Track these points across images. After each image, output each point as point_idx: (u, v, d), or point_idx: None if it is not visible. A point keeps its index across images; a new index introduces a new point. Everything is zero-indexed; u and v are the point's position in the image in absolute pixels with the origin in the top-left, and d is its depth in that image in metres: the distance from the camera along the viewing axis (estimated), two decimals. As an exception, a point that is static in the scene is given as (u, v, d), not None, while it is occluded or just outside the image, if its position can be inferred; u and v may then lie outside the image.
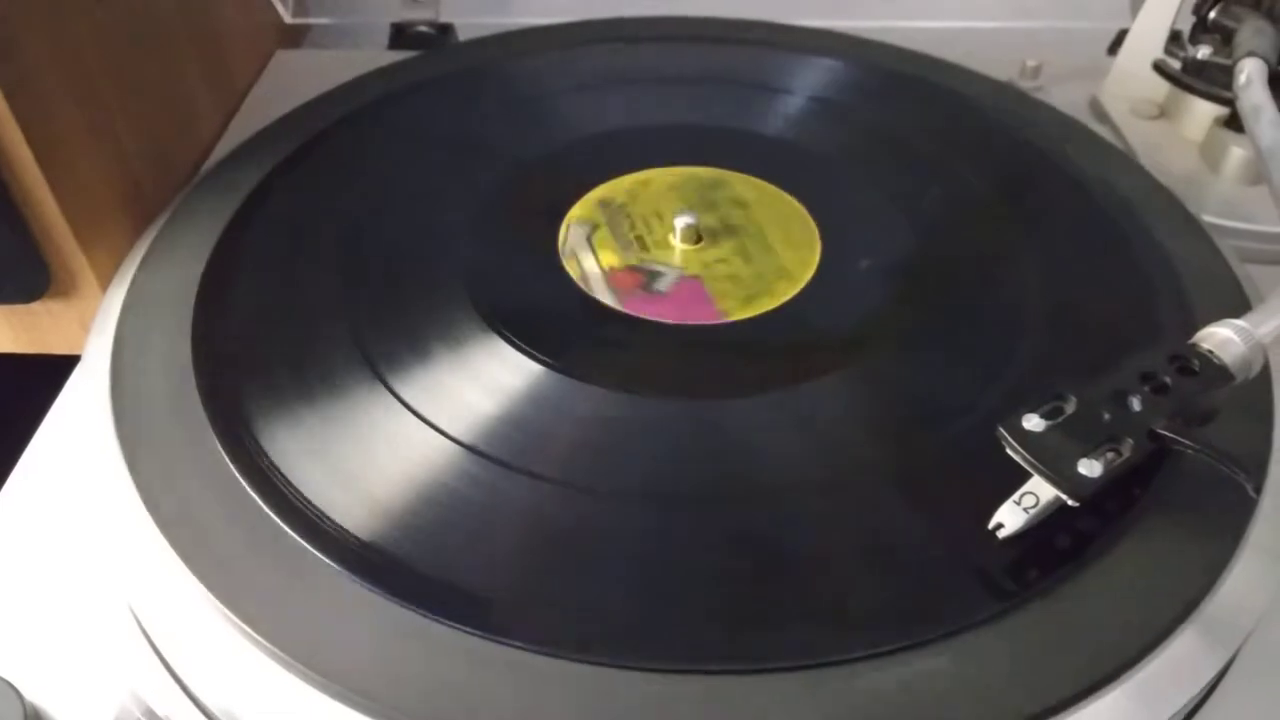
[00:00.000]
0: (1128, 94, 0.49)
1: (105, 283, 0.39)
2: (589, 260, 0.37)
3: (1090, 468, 0.27)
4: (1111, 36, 0.58)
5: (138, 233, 0.41)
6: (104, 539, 0.30)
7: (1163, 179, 0.42)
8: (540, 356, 0.33)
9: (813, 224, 0.38)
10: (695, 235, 0.37)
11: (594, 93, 0.45)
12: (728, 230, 0.38)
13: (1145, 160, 0.45)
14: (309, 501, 0.29)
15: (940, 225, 0.39)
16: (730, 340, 0.34)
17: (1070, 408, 0.28)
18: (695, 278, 0.36)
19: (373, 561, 0.27)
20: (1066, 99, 0.50)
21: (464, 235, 0.38)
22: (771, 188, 0.40)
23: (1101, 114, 0.50)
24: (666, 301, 0.35)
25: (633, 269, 0.36)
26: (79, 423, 0.33)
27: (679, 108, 0.44)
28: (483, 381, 0.32)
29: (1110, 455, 0.27)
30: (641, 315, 0.35)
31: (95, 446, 0.32)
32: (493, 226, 0.39)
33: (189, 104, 0.47)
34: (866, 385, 0.33)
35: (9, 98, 0.34)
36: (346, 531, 0.28)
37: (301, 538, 0.28)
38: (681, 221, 0.37)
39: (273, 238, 0.38)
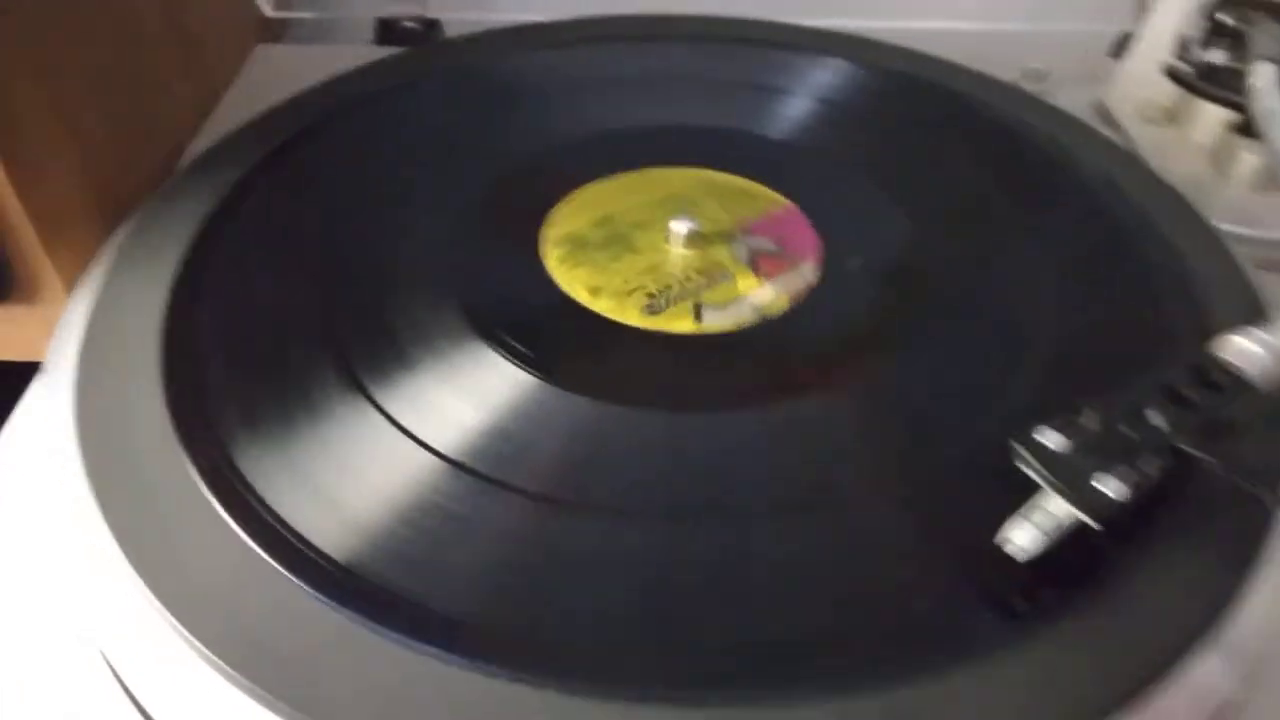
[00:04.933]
0: (1135, 98, 0.48)
1: (71, 287, 0.37)
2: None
3: (1113, 487, 0.25)
4: (1113, 39, 0.57)
5: (106, 235, 0.39)
6: (67, 567, 0.28)
7: (1172, 184, 0.41)
8: (530, 366, 0.31)
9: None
10: (692, 240, 0.36)
11: (582, 92, 0.44)
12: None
13: (1154, 165, 0.44)
14: (290, 527, 0.27)
15: (944, 229, 0.38)
16: (726, 349, 0.33)
17: (1087, 422, 0.26)
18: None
19: (357, 589, 0.26)
20: (1071, 102, 0.49)
21: (451, 239, 0.37)
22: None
23: (1108, 118, 0.49)
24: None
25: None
26: (39, 437, 0.31)
27: (670, 107, 0.43)
28: (470, 392, 0.31)
29: (1131, 472, 0.26)
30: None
31: (57, 465, 0.30)
32: (479, 230, 0.37)
33: (163, 100, 0.45)
34: (869, 395, 0.31)
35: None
36: (330, 558, 0.26)
37: (283, 566, 0.26)
38: (682, 227, 0.35)
39: (249, 242, 0.36)
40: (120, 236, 0.38)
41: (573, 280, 0.35)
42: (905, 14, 0.55)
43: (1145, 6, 0.56)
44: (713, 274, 0.35)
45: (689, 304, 0.34)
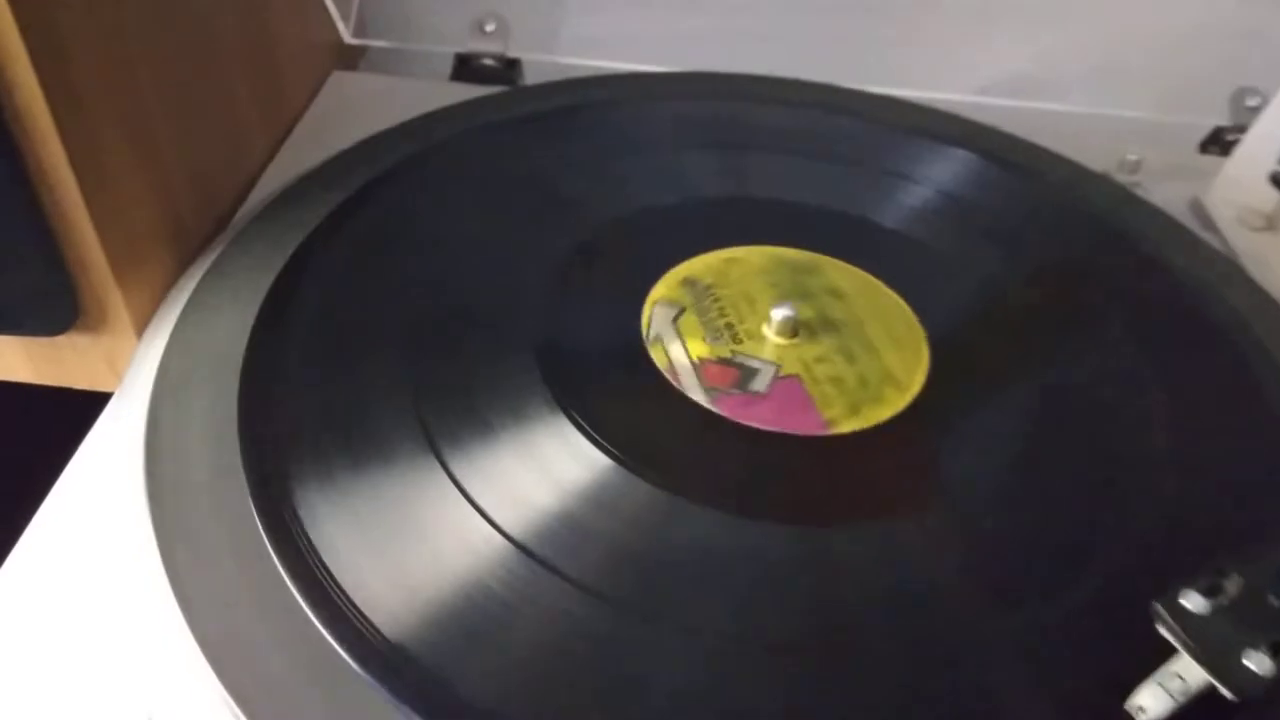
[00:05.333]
0: (1235, 201, 0.47)
1: (137, 320, 0.36)
2: (676, 348, 0.34)
3: (1260, 663, 0.24)
4: (1204, 133, 0.55)
5: (176, 267, 0.38)
6: (126, 630, 0.26)
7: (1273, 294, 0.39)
8: (619, 454, 0.30)
9: (916, 322, 0.35)
10: (792, 329, 0.34)
11: (686, 153, 0.42)
12: (826, 324, 0.35)
13: (1253, 273, 0.42)
14: (355, 607, 0.26)
15: (1052, 338, 0.36)
16: (840, 455, 0.31)
17: (1233, 588, 0.25)
18: (794, 377, 0.33)
19: (418, 682, 0.24)
20: (1164, 197, 0.48)
21: (539, 302, 0.35)
22: (868, 277, 0.37)
23: (1205, 218, 0.47)
24: (763, 403, 0.32)
25: (725, 362, 0.33)
26: (104, 486, 0.30)
27: (773, 180, 0.41)
28: (551, 473, 0.29)
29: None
30: (736, 419, 0.31)
31: (122, 520, 0.28)
32: (571, 295, 0.36)
33: (239, 127, 0.43)
34: (986, 523, 0.29)
35: (56, 113, 0.30)
36: (391, 643, 0.25)
37: (347, 652, 0.25)
38: (779, 313, 0.34)
39: (331, 287, 0.35)
40: (197, 274, 0.36)
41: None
42: (994, 90, 0.54)
43: (1239, 104, 0.55)
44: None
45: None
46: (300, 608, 0.26)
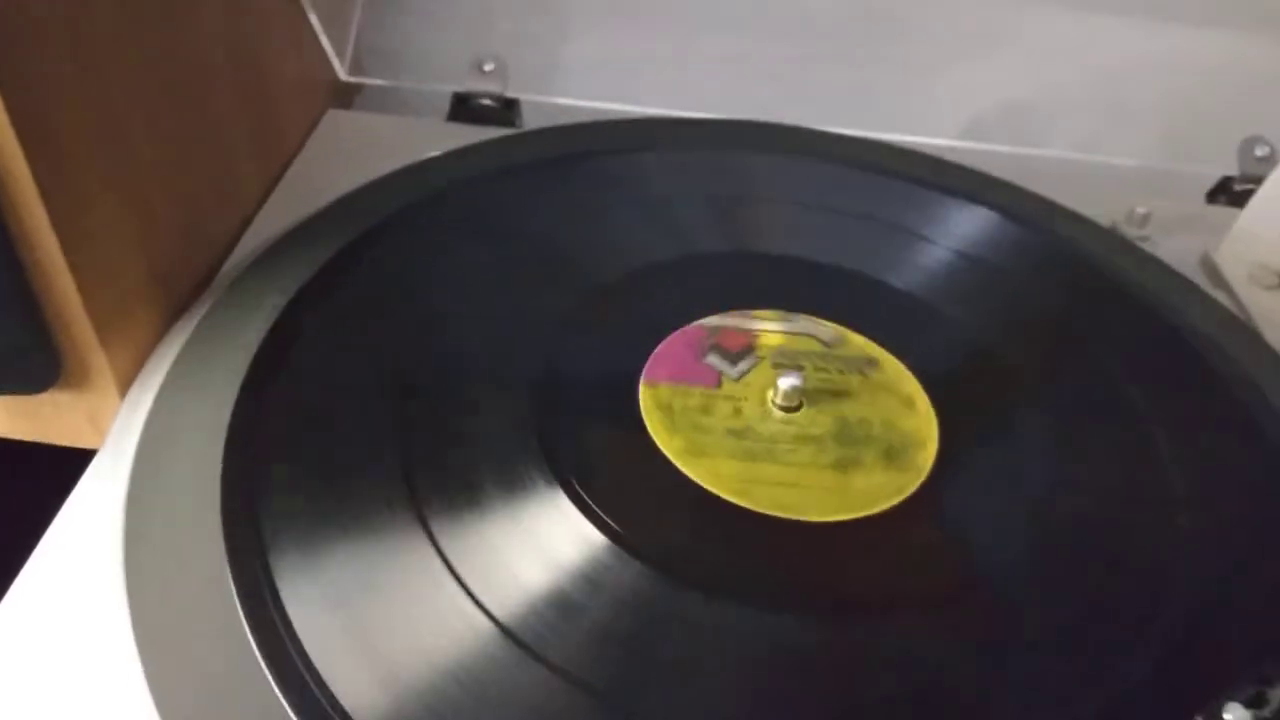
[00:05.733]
0: (1247, 258, 0.46)
1: (121, 378, 0.34)
2: (682, 419, 0.33)
3: None
4: (1211, 183, 0.55)
5: (164, 320, 0.36)
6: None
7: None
8: (617, 531, 0.28)
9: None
10: (797, 401, 0.33)
11: (699, 207, 0.41)
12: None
13: (1268, 336, 0.41)
14: (330, 694, 0.24)
15: (1070, 416, 0.35)
16: (855, 540, 0.30)
17: (1277, 698, 0.24)
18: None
19: None
20: (1173, 250, 0.47)
21: (537, 366, 0.34)
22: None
23: (1215, 275, 0.46)
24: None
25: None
26: (82, 555, 0.29)
27: (768, 233, 0.40)
28: (545, 550, 0.28)
29: None
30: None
31: (98, 594, 0.27)
32: (574, 360, 0.35)
33: (231, 170, 0.42)
34: (1014, 615, 0.28)
35: (37, 175, 0.29)
36: None
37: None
38: (786, 383, 0.33)
39: (319, 351, 0.34)
40: (185, 331, 0.35)
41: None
42: (992, 137, 0.53)
43: (1248, 153, 0.54)
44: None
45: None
46: (273, 692, 0.24)
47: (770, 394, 0.33)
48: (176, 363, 0.33)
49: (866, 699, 0.26)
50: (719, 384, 0.34)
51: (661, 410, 0.33)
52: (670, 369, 0.34)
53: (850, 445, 0.32)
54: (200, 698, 0.25)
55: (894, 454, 0.32)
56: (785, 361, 0.35)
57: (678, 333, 0.36)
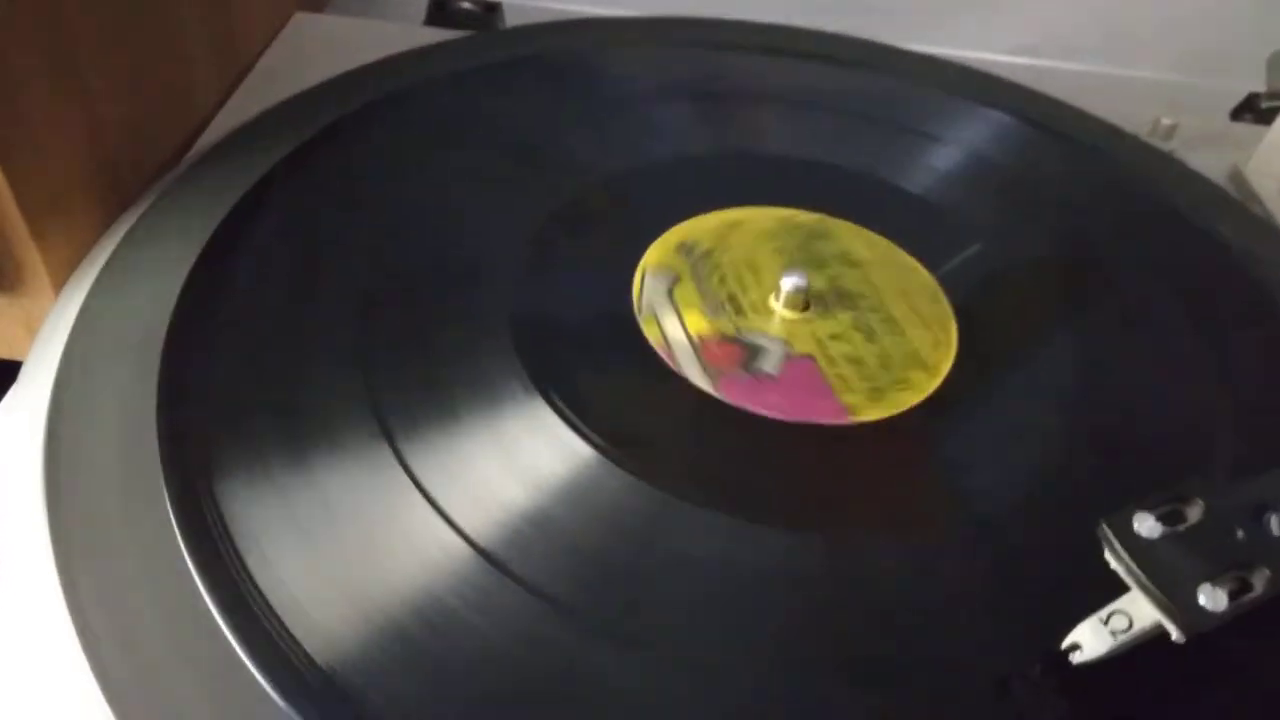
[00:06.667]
0: (1277, 173, 0.43)
1: (60, 279, 0.31)
2: (672, 322, 0.29)
3: (1213, 598, 0.21)
4: (1236, 100, 0.52)
5: (106, 222, 0.33)
6: (20, 666, 0.22)
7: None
8: (604, 444, 0.26)
9: (942, 295, 0.31)
10: (804, 301, 0.30)
11: (682, 105, 0.38)
12: (842, 296, 0.31)
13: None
14: (284, 627, 0.21)
15: (1093, 313, 0.32)
16: (862, 448, 0.27)
17: (1195, 514, 0.22)
18: (807, 357, 0.29)
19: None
20: (1199, 164, 0.44)
21: (515, 268, 0.31)
22: (889, 244, 0.33)
23: (1244, 188, 0.43)
24: (773, 388, 0.28)
25: (728, 340, 0.29)
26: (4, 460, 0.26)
27: (780, 135, 0.37)
28: (525, 467, 0.25)
29: (1236, 586, 0.22)
30: (741, 405, 0.27)
31: (16, 510, 0.24)
32: (551, 261, 0.31)
33: (185, 69, 0.39)
34: (1023, 532, 0.26)
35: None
36: (325, 673, 0.21)
37: (269, 682, 0.21)
38: (789, 283, 0.30)
39: (274, 246, 0.31)
40: (122, 228, 0.32)
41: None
42: (1020, 50, 0.50)
43: (1276, 68, 0.51)
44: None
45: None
46: (220, 631, 0.21)
47: (773, 297, 0.30)
48: (109, 266, 0.30)
49: (870, 620, 0.23)
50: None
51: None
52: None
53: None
54: (137, 647, 0.22)
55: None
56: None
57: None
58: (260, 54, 0.44)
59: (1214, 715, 0.23)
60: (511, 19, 0.49)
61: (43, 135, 0.30)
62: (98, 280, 0.29)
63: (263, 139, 0.34)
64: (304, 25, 0.47)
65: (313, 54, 0.44)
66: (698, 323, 0.30)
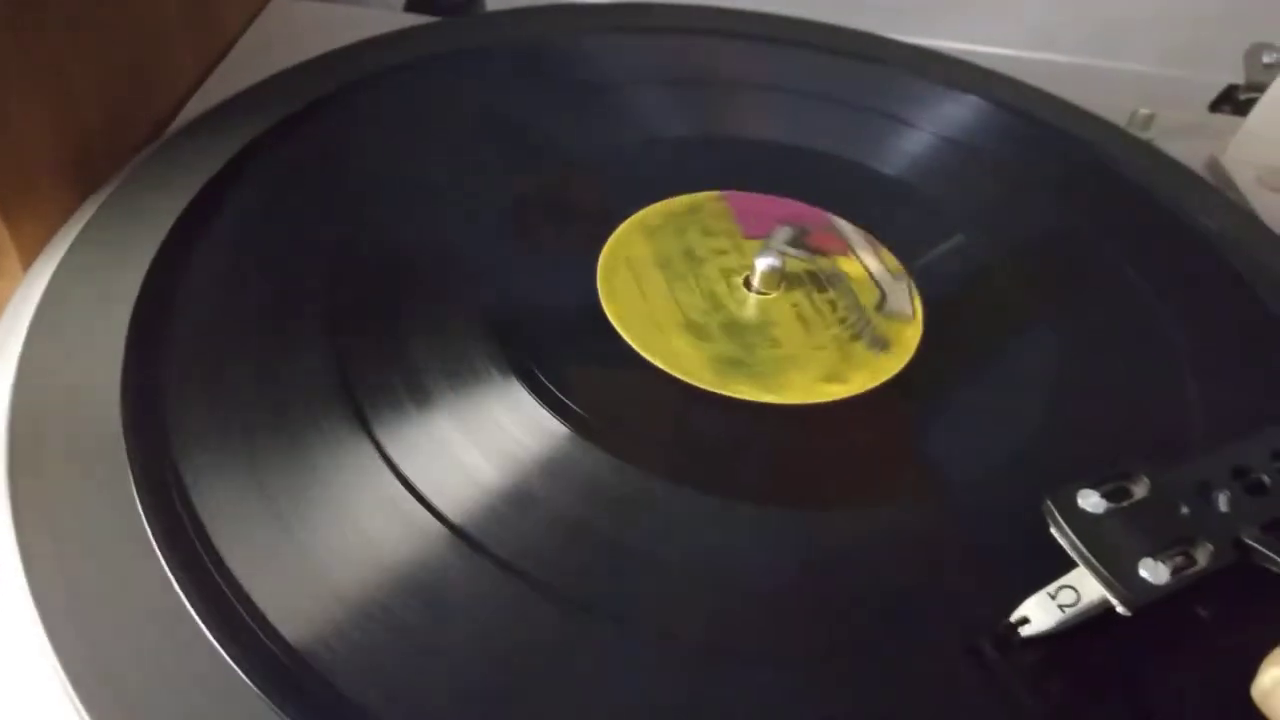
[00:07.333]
0: (1255, 161, 0.43)
1: (28, 260, 0.31)
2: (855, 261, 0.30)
3: (1155, 571, 0.22)
4: (1215, 92, 0.52)
5: (77, 201, 0.33)
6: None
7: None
8: (577, 420, 0.26)
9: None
10: (776, 281, 0.30)
11: (657, 91, 0.38)
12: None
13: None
14: (252, 605, 0.21)
15: (1063, 294, 0.32)
16: (828, 424, 0.27)
17: (1140, 491, 0.23)
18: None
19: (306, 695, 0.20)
20: (1177, 155, 0.44)
21: (489, 249, 0.31)
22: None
23: (1222, 177, 0.44)
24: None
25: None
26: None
27: (757, 121, 0.37)
28: (498, 444, 0.25)
29: (1180, 560, 0.22)
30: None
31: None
32: (525, 242, 0.32)
33: (162, 48, 0.39)
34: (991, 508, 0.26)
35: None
36: (295, 652, 0.21)
37: (237, 663, 0.20)
38: (763, 263, 0.30)
39: (245, 228, 0.30)
40: (93, 206, 0.31)
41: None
42: (1002, 41, 0.50)
43: (1255, 61, 0.52)
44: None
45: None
46: (185, 609, 0.21)
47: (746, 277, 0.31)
48: (79, 241, 0.30)
49: (851, 591, 0.24)
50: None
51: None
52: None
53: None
54: (97, 629, 0.21)
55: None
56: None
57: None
58: (239, 36, 0.44)
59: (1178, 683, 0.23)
60: (493, 3, 0.49)
61: (16, 117, 0.30)
62: (65, 259, 0.29)
63: (234, 120, 0.34)
64: (284, 8, 0.46)
65: (292, 37, 0.44)
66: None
